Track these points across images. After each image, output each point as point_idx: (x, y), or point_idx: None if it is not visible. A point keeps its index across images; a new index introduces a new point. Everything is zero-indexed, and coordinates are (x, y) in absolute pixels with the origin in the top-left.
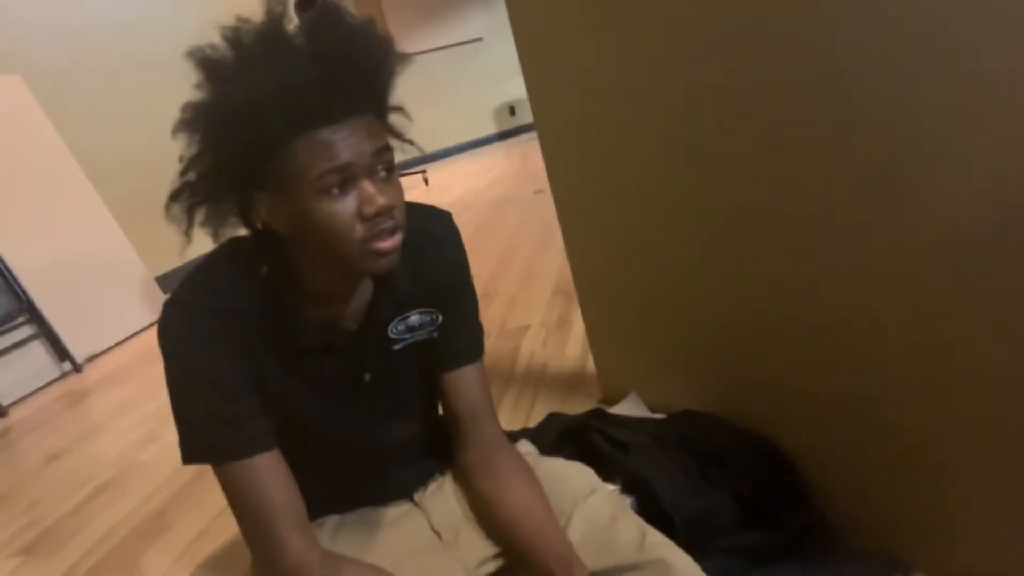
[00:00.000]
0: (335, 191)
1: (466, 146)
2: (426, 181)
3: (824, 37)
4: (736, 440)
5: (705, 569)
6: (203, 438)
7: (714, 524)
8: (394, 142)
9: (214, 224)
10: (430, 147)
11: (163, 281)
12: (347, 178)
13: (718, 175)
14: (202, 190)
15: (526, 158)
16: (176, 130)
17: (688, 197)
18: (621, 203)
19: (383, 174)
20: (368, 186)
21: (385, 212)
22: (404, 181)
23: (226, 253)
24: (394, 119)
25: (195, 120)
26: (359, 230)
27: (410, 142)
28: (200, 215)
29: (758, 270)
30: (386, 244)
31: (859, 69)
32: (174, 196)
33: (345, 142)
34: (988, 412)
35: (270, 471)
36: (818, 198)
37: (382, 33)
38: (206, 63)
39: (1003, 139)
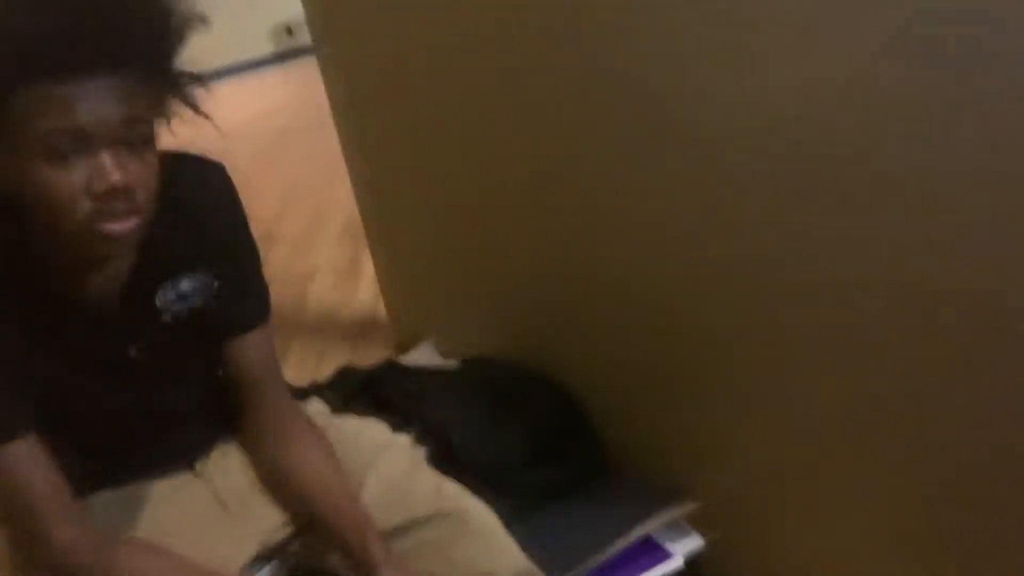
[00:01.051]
0: (64, 156)
1: (236, 68)
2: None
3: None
4: (526, 383)
5: (497, 511)
6: None
7: (506, 466)
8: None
9: None
10: (190, 68)
11: None
12: (81, 144)
13: (515, 107)
14: None
15: (308, 84)
16: None
17: (487, 131)
18: (415, 136)
19: (131, 147)
20: (106, 158)
21: (120, 192)
22: None
23: None
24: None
25: None
26: (85, 207)
27: (203, 115)
28: None
29: (547, 208)
30: (114, 227)
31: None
32: None
33: (86, 102)
34: (758, 330)
35: (27, 458)
36: (608, 144)
37: None
38: None
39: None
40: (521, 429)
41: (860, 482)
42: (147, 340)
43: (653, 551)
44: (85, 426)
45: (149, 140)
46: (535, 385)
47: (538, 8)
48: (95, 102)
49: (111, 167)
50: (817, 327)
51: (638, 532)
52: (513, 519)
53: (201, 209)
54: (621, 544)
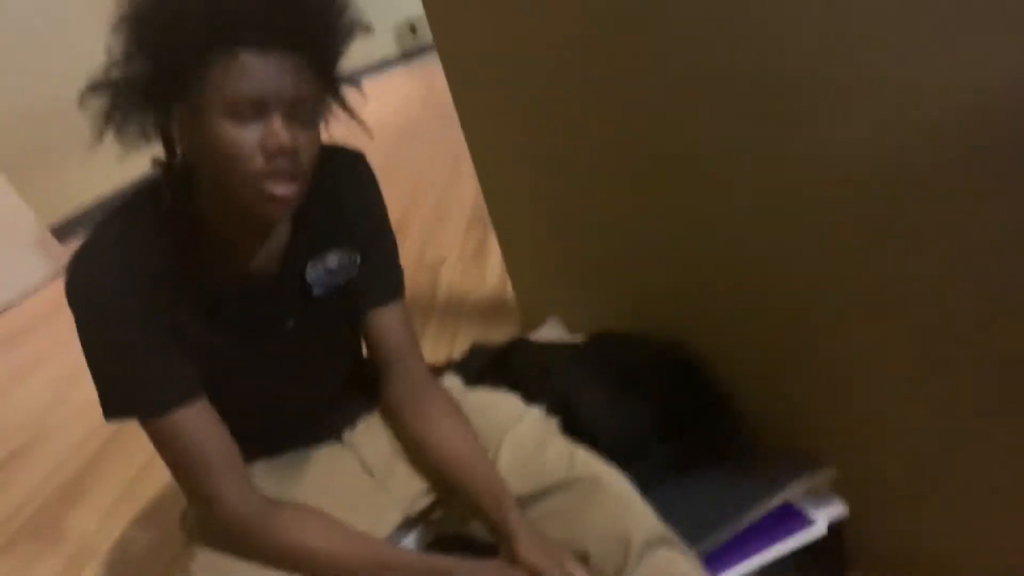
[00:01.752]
0: (244, 118)
1: (366, 70)
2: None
3: None
4: (654, 355)
5: (630, 480)
6: (124, 394)
7: (636, 438)
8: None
9: (129, 129)
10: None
11: (59, 231)
12: (260, 109)
13: (632, 93)
14: (124, 91)
15: (431, 81)
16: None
17: (601, 116)
18: (531, 125)
19: (301, 121)
20: (278, 122)
21: (288, 153)
22: None
23: (132, 204)
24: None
25: (129, 17)
26: (257, 162)
27: (357, 120)
28: (117, 120)
29: (670, 188)
30: (279, 189)
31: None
32: (93, 88)
33: (268, 72)
34: (893, 311)
35: (198, 421)
36: (731, 120)
37: None
38: None
39: (915, 69)
40: (650, 401)
41: (1009, 466)
42: (300, 313)
43: (795, 517)
44: (241, 397)
45: (313, 119)
46: (663, 357)
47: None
48: (275, 75)
49: (282, 130)
50: (963, 296)
51: (777, 499)
52: (646, 488)
53: (346, 192)
54: (759, 511)
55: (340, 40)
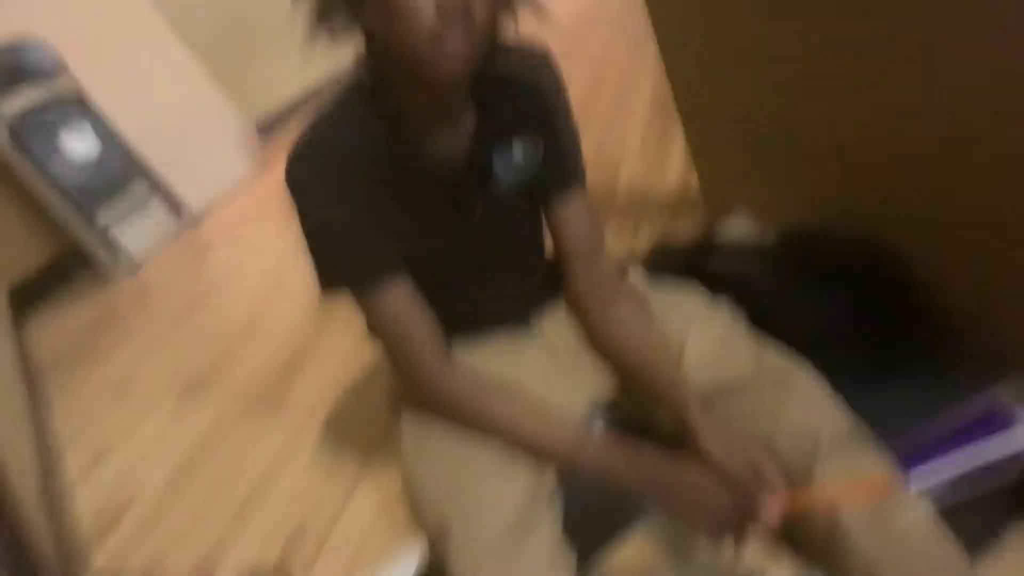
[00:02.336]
0: None
1: None
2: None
3: None
4: (851, 251)
5: (823, 376)
6: (337, 269)
7: (829, 340)
8: None
9: (334, 16)
10: None
11: (262, 126)
12: None
13: None
14: None
15: None
16: None
17: (799, 10)
18: (722, 6)
19: None
20: None
21: (460, 7)
22: None
23: (339, 98)
24: None
25: None
26: (432, 20)
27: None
28: (320, 10)
29: (870, 80)
30: (453, 44)
31: None
32: None
33: None
34: None
35: (403, 296)
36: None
37: None
38: None
39: None
40: (844, 301)
41: None
42: (488, 203)
43: (1001, 418)
44: (434, 282)
45: None
46: (858, 254)
47: None
48: None
49: None
50: None
51: (979, 400)
52: (839, 387)
53: (531, 85)
54: (958, 411)
55: None
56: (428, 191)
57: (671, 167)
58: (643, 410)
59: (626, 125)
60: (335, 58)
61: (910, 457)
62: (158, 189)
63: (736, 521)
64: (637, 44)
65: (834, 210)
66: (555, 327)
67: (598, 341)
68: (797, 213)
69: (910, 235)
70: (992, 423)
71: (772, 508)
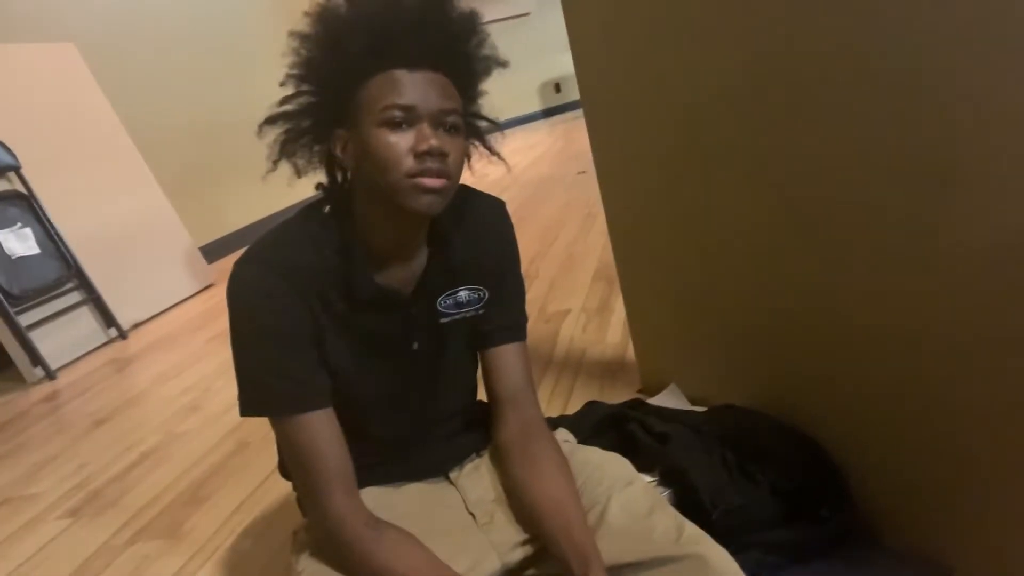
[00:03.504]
0: (397, 125)
1: (510, 123)
2: (468, 159)
3: (877, 29)
4: (777, 435)
5: (741, 564)
6: (264, 391)
7: (752, 519)
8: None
9: (299, 154)
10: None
11: (207, 251)
12: (411, 118)
13: (767, 167)
14: (294, 123)
15: (570, 137)
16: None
17: (735, 188)
18: (666, 188)
19: (446, 130)
20: (427, 129)
21: (436, 153)
22: None
23: (297, 219)
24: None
25: (297, 53)
26: (409, 162)
27: (493, 152)
28: (289, 149)
29: (804, 265)
30: (430, 182)
31: (913, 57)
32: (270, 121)
33: (416, 87)
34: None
35: (325, 428)
36: (867, 195)
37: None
38: (322, 9)
39: None
40: (770, 482)
41: None
42: (428, 337)
43: None
44: (360, 416)
45: (459, 130)
46: (787, 438)
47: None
48: (423, 88)
49: (431, 134)
50: None
51: None
52: (756, 575)
53: (485, 233)
54: None
55: (479, 65)
56: (372, 314)
57: (611, 333)
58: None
59: (571, 286)
60: (289, 192)
61: None
62: (92, 298)
63: None
64: (589, 213)
65: (766, 395)
66: (473, 482)
67: (515, 491)
68: (728, 395)
69: (841, 428)
70: None
71: None
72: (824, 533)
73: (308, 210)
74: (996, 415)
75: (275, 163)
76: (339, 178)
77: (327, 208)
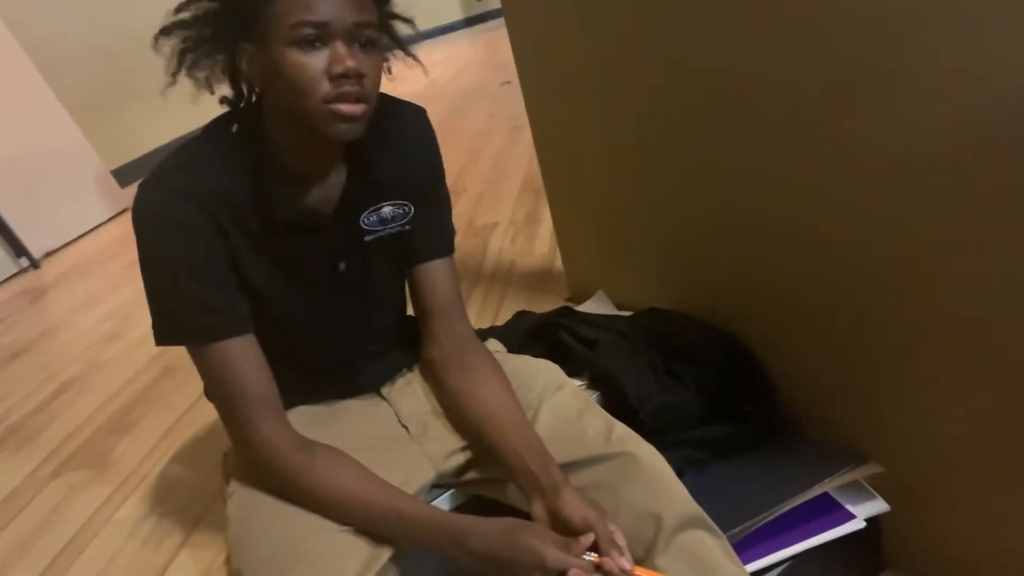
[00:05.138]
0: (309, 45)
1: (431, 32)
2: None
3: None
4: (702, 336)
5: (668, 460)
6: (179, 320)
7: (679, 418)
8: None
9: (200, 69)
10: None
11: (120, 175)
12: (323, 35)
13: (692, 71)
14: (193, 32)
15: (493, 47)
16: None
17: (661, 93)
18: (592, 96)
19: (362, 46)
20: (341, 48)
21: (352, 75)
22: None
23: (204, 138)
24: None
25: None
26: (324, 87)
27: (413, 57)
28: (188, 60)
29: (728, 168)
30: (347, 108)
31: None
32: (165, 31)
33: (329, 3)
34: (949, 310)
35: (246, 355)
36: (784, 104)
37: None
38: None
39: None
40: (695, 382)
41: None
42: (353, 257)
43: (833, 510)
44: (286, 339)
45: (376, 44)
46: (711, 338)
47: None
48: (336, 3)
49: (346, 54)
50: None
51: (816, 490)
52: (684, 470)
53: (406, 145)
54: (797, 500)
55: None
56: (290, 240)
57: (539, 244)
58: (493, 483)
59: (499, 199)
60: (211, 111)
61: (748, 542)
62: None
63: None
64: (515, 124)
65: (690, 298)
66: (406, 396)
67: (453, 404)
68: (653, 299)
69: (762, 328)
70: (827, 513)
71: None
72: (748, 429)
73: (215, 128)
74: (902, 309)
75: (174, 76)
76: (246, 94)
77: (235, 127)
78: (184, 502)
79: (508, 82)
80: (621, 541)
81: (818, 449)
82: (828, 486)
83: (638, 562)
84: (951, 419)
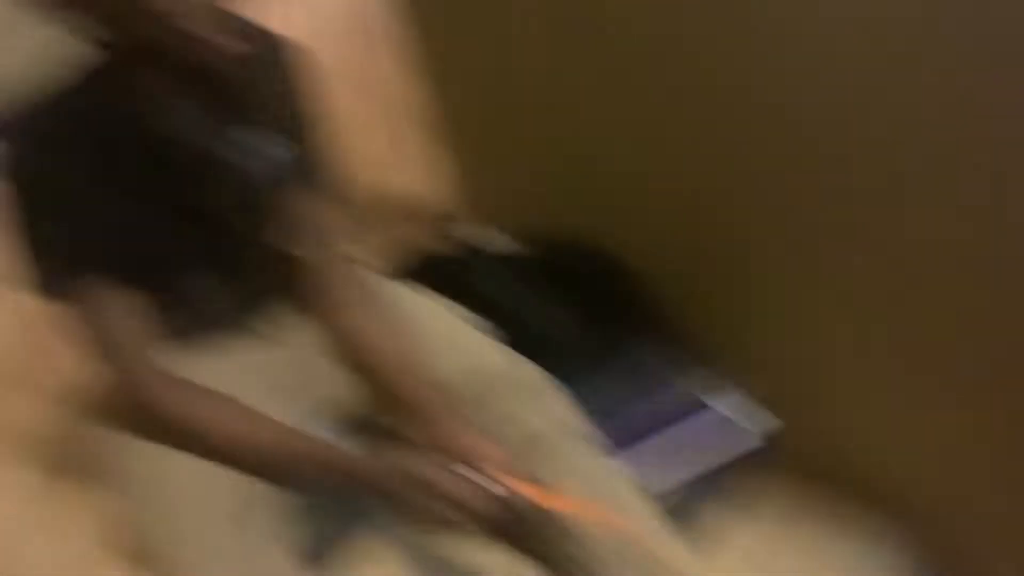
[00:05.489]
0: None
1: None
2: None
3: None
4: (577, 257)
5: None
6: (39, 264)
7: (557, 335)
8: None
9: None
10: None
11: None
12: None
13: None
14: None
15: None
16: None
17: (555, 20)
18: (479, 20)
19: None
20: None
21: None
22: None
23: (56, 74)
24: None
25: None
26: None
27: None
28: None
29: (614, 92)
30: (197, 28)
31: None
32: None
33: None
34: (830, 229)
35: (113, 300)
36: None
37: None
38: None
39: None
40: (569, 299)
41: (911, 345)
42: (221, 190)
43: (730, 430)
44: (157, 276)
45: None
46: (587, 257)
47: None
48: None
49: None
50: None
51: (703, 402)
52: (566, 385)
53: (280, 75)
54: (685, 412)
55: None
56: (155, 177)
57: (420, 177)
58: (384, 419)
59: (378, 132)
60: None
61: (623, 440)
62: None
63: (471, 508)
64: (400, 56)
65: (571, 223)
66: (287, 334)
67: (333, 338)
68: (538, 224)
69: (647, 249)
70: (690, 406)
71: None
72: (628, 343)
73: (64, 65)
74: (791, 231)
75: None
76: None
77: (84, 60)
78: (73, 459)
79: None
80: (503, 458)
81: (671, 391)
82: (712, 401)
83: (526, 479)
84: (813, 313)
